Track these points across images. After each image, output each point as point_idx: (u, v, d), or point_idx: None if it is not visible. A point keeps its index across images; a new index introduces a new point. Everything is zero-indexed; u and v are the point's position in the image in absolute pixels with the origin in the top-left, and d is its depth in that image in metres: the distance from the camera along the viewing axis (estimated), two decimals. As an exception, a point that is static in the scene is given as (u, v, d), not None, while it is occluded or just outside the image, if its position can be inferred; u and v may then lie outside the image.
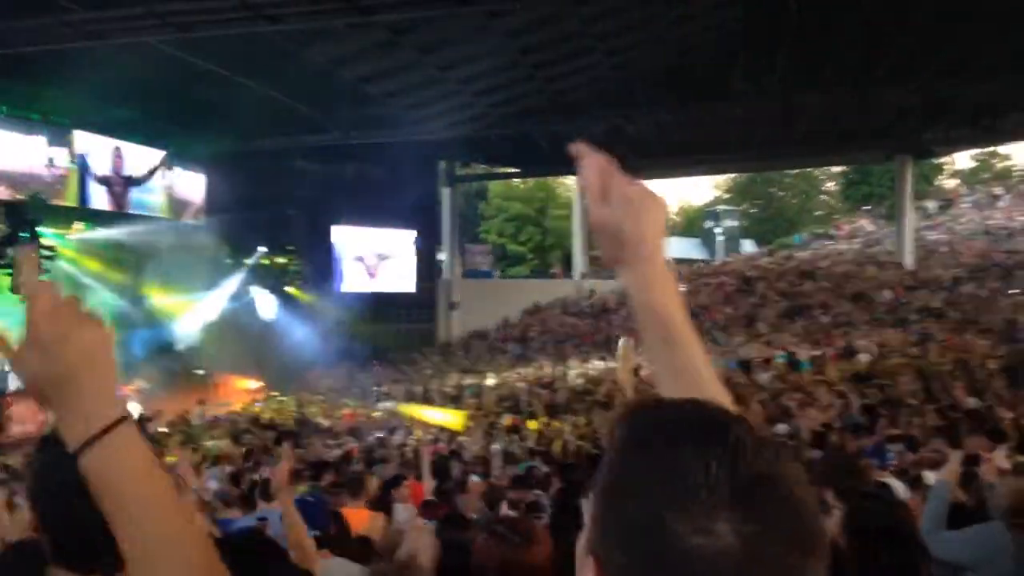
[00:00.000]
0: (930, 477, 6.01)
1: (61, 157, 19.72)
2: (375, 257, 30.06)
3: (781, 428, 10.28)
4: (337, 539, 4.03)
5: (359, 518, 5.26)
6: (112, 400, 0.98)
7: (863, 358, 19.65)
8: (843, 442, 7.84)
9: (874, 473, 4.83)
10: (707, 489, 0.72)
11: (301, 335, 25.17)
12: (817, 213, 57.54)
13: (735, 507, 0.72)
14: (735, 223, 52.46)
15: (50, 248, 18.65)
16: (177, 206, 23.56)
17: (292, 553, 2.93)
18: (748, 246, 50.01)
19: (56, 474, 1.37)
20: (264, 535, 2.90)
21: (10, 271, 17.43)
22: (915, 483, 5.82)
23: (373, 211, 28.37)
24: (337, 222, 28.98)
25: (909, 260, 30.80)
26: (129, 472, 0.94)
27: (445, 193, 33.33)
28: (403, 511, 6.10)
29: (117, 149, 21.33)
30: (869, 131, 27.88)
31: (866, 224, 42.78)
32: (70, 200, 20.08)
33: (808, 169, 52.93)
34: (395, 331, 29.94)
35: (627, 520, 0.76)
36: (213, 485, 8.72)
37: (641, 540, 0.74)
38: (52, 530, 1.39)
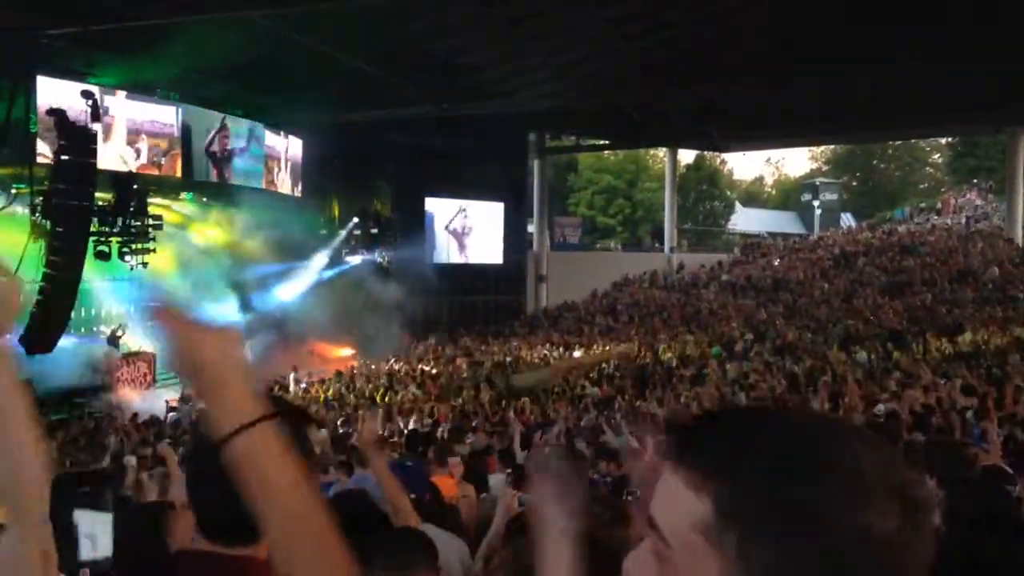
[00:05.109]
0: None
1: (167, 128, 20.27)
2: (464, 229, 30.28)
3: (880, 409, 9.94)
4: (430, 507, 4.08)
5: (447, 487, 5.31)
6: (251, 401, 1.13)
7: (968, 337, 18.86)
8: (948, 424, 7.53)
9: (983, 459, 4.61)
10: (872, 476, 0.71)
11: (392, 305, 25.57)
12: (921, 186, 55.15)
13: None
14: (834, 196, 50.65)
15: (156, 218, 19.39)
16: (276, 174, 24.10)
17: (392, 515, 2.98)
18: (847, 220, 48.37)
19: (205, 462, 1.48)
20: (367, 499, 2.98)
21: (120, 238, 18.16)
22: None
23: (463, 183, 28.58)
24: (428, 194, 29.28)
25: (1019, 236, 29.37)
26: (265, 462, 1.11)
27: (535, 165, 33.25)
28: (495, 479, 6.14)
29: (222, 121, 21.81)
30: (978, 101, 26.42)
31: (974, 198, 40.81)
32: (175, 171, 20.65)
33: (912, 140, 50.63)
34: (484, 302, 30.17)
35: (785, 505, 0.69)
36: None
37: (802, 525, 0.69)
38: (202, 508, 1.56)
